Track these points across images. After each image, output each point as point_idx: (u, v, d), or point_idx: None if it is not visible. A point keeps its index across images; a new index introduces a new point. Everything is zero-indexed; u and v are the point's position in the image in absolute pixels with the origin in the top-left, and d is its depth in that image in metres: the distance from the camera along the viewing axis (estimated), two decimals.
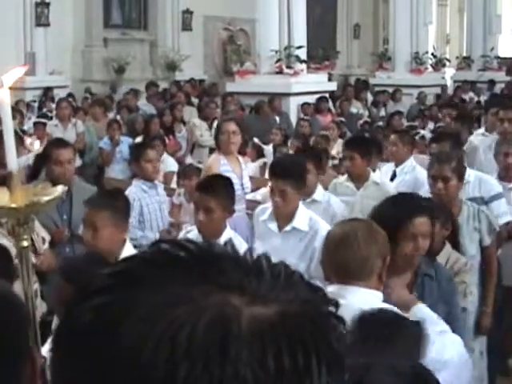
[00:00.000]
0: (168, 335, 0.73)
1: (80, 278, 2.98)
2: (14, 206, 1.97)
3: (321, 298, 0.84)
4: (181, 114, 12.43)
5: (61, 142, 6.33)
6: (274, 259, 0.86)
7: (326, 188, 6.30)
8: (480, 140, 8.50)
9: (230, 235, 4.59)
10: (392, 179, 7.12)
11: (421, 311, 3.46)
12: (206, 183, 4.95)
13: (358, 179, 6.42)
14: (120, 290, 0.78)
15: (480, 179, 5.86)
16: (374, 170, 6.87)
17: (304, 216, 4.93)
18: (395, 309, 3.13)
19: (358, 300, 3.00)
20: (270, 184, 5.10)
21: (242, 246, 4.33)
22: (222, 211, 4.60)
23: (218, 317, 0.75)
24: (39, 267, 4.90)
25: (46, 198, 2.04)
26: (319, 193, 5.85)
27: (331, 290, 3.10)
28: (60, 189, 2.14)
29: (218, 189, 4.67)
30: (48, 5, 17.04)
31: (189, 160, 10.87)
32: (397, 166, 7.33)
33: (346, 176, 6.68)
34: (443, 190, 4.93)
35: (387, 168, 7.54)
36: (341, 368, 0.81)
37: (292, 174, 4.88)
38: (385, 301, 3.15)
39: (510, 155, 6.45)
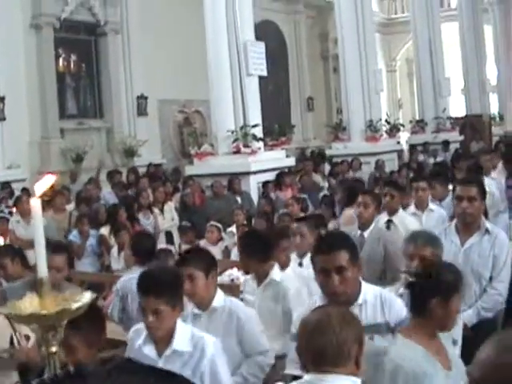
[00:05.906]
0: None
1: None
2: (43, 312, 2.01)
3: None
4: (146, 202, 12.36)
5: (56, 247, 6.04)
6: None
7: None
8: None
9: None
10: None
11: None
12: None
13: (257, 277, 5.91)
14: None
15: (382, 298, 4.30)
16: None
17: (184, 335, 4.24)
18: None
19: None
20: (144, 301, 4.22)
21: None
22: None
23: None
24: (18, 356, 4.83)
25: (75, 305, 2.09)
26: (219, 299, 4.96)
27: (308, 378, 3.08)
28: (89, 295, 2.18)
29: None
30: (3, 99, 17.06)
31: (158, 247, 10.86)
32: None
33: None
34: None
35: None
36: None
37: (165, 289, 4.13)
38: None
39: (413, 257, 5.03)
